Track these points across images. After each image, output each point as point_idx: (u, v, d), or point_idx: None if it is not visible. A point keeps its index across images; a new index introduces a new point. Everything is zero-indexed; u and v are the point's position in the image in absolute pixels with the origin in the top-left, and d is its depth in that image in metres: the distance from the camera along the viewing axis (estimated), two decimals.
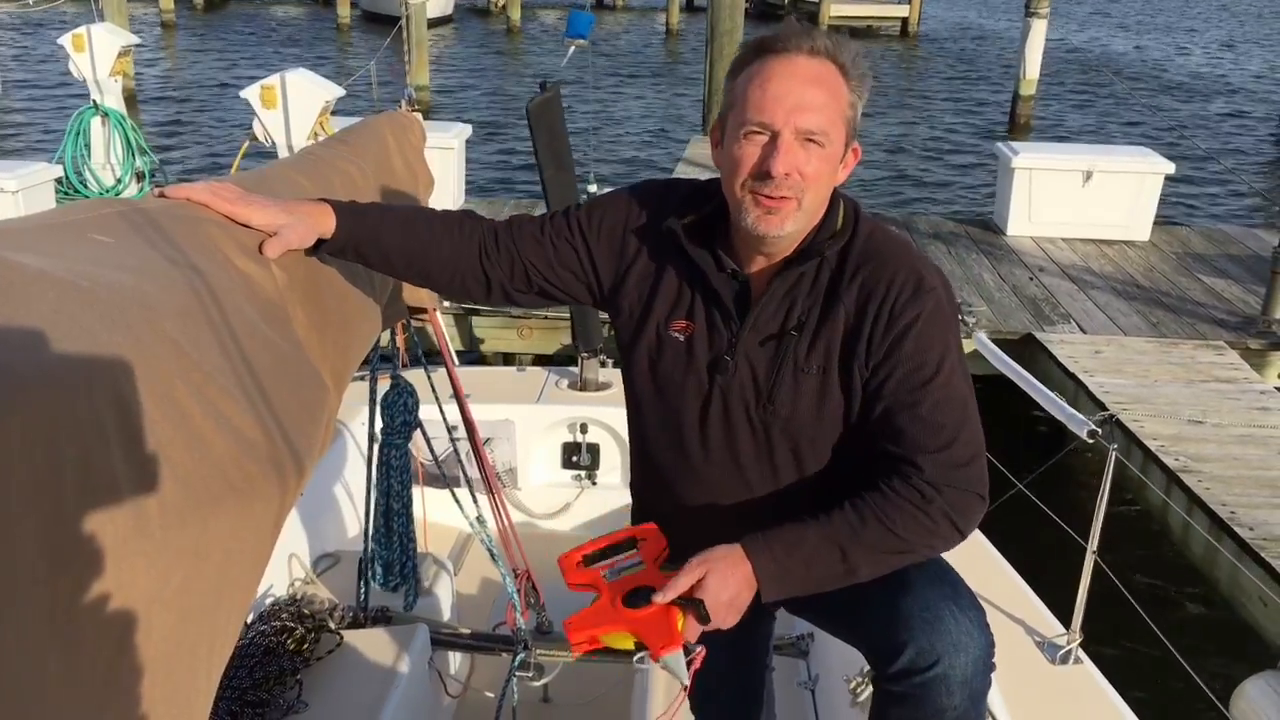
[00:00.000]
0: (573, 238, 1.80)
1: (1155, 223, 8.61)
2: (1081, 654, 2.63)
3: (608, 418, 4.07)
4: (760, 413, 1.72)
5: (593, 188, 5.68)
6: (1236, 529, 4.50)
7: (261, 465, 1.21)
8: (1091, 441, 2.65)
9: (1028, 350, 6.52)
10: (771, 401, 1.70)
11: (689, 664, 1.54)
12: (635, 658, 1.54)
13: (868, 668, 2.04)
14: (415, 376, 2.88)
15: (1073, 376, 6.01)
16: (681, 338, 1.75)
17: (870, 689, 2.26)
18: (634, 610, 1.56)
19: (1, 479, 0.85)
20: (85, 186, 9.95)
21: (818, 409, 1.69)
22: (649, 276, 1.78)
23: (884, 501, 1.59)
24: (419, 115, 2.56)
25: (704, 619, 1.54)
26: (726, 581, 1.56)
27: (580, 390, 4.19)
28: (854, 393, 1.68)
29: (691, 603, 1.54)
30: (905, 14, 30.83)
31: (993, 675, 1.62)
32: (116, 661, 0.99)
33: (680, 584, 1.56)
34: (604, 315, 1.93)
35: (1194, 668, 3.27)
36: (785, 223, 1.62)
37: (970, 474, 1.62)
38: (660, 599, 1.55)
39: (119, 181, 10.09)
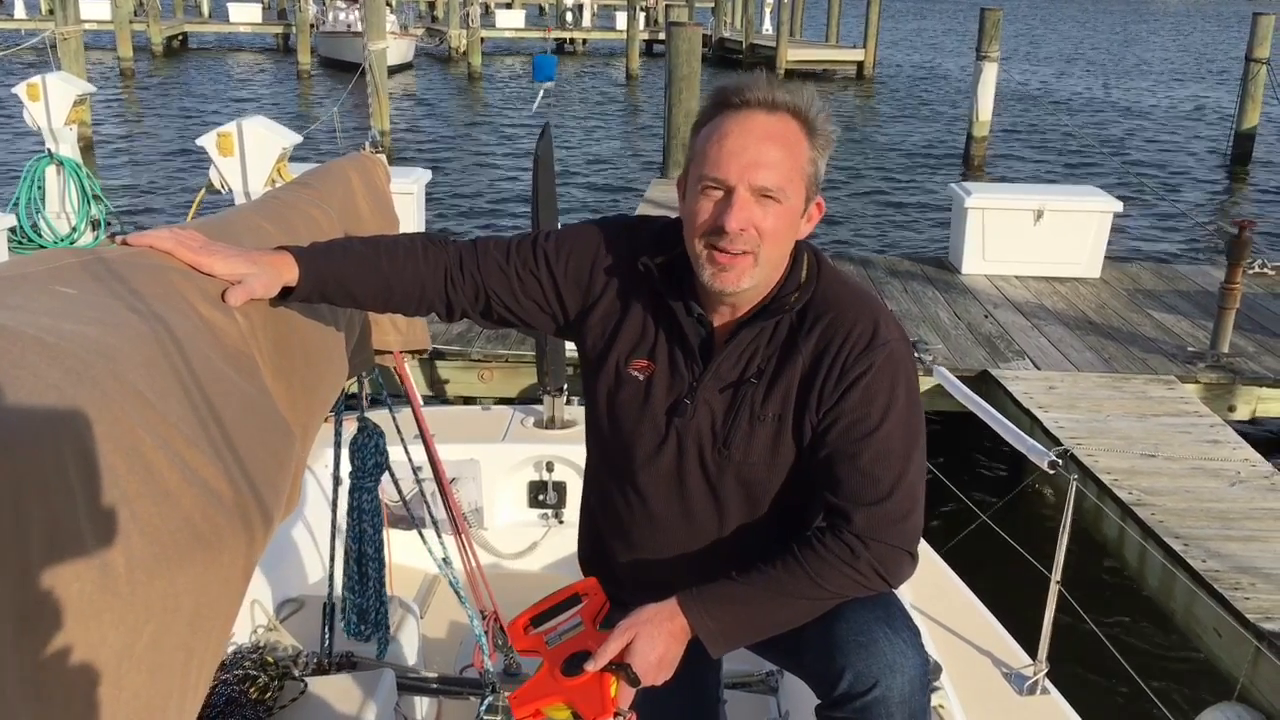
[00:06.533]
0: (538, 269, 1.77)
1: (1106, 260, 8.78)
2: (1049, 684, 2.65)
3: (574, 456, 4.00)
4: (715, 457, 1.72)
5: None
6: (1190, 561, 4.56)
7: (229, 517, 1.19)
8: (1052, 473, 2.70)
9: (984, 387, 6.60)
10: (727, 447, 1.71)
11: None
12: None
13: None
14: (379, 417, 2.84)
15: (1028, 412, 6.09)
16: (641, 377, 1.74)
17: None
18: (569, 679, 1.60)
19: None
20: (39, 235, 9.87)
21: (771, 456, 1.71)
22: (614, 313, 1.77)
23: (814, 557, 1.62)
24: (383, 157, 2.55)
25: (634, 682, 1.58)
26: (654, 642, 1.59)
27: (546, 429, 4.15)
28: (805, 441, 1.69)
29: (621, 667, 1.58)
30: (861, 57, 31.40)
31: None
32: None
33: (609, 650, 1.59)
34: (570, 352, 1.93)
35: (1159, 697, 3.31)
36: (742, 278, 1.62)
37: (901, 530, 1.64)
38: (591, 666, 1.58)
39: (74, 230, 10.03)
